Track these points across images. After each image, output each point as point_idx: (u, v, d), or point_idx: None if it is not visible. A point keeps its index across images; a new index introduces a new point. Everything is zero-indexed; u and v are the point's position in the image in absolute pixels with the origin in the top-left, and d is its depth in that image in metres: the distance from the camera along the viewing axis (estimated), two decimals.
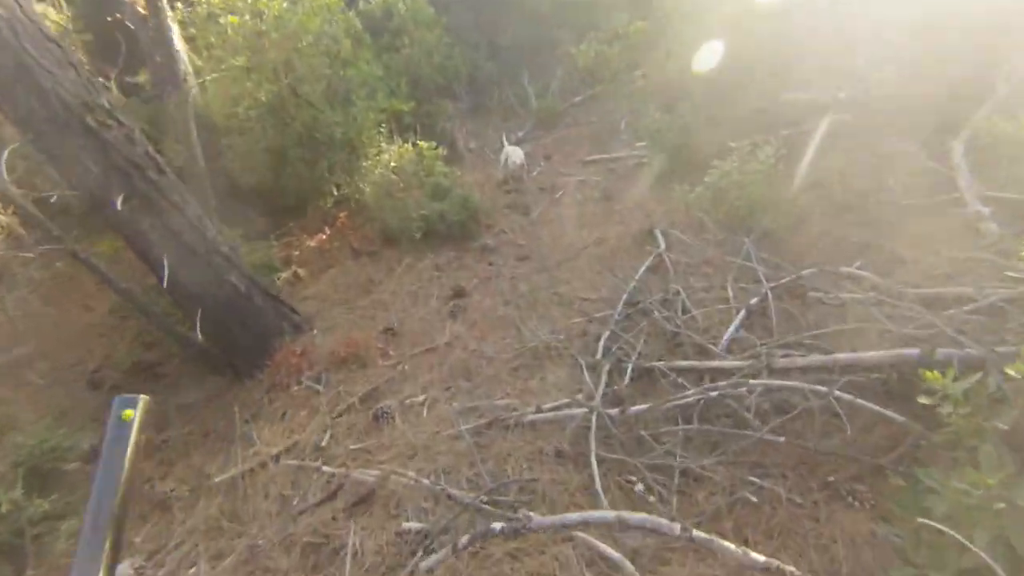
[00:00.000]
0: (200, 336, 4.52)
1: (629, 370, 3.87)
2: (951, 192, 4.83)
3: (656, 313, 4.39)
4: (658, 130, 6.94)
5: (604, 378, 3.88)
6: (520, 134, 10.66)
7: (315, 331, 5.29)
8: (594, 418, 3.46)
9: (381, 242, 6.85)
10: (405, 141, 8.50)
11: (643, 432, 3.33)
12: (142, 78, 7.56)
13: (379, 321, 5.31)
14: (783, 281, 4.35)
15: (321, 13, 6.60)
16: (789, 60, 7.11)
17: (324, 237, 7.75)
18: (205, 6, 6.48)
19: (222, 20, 6.92)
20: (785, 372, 3.34)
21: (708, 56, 7.67)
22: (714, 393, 3.24)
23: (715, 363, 3.70)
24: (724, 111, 6.96)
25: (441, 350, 4.78)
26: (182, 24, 6.87)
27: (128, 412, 1.06)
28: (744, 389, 3.20)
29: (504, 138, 9.44)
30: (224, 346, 4.88)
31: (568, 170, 8.42)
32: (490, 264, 6.06)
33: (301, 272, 6.94)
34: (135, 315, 5.97)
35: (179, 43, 6.60)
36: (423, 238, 6.48)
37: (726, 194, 5.20)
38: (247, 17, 6.61)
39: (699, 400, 3.31)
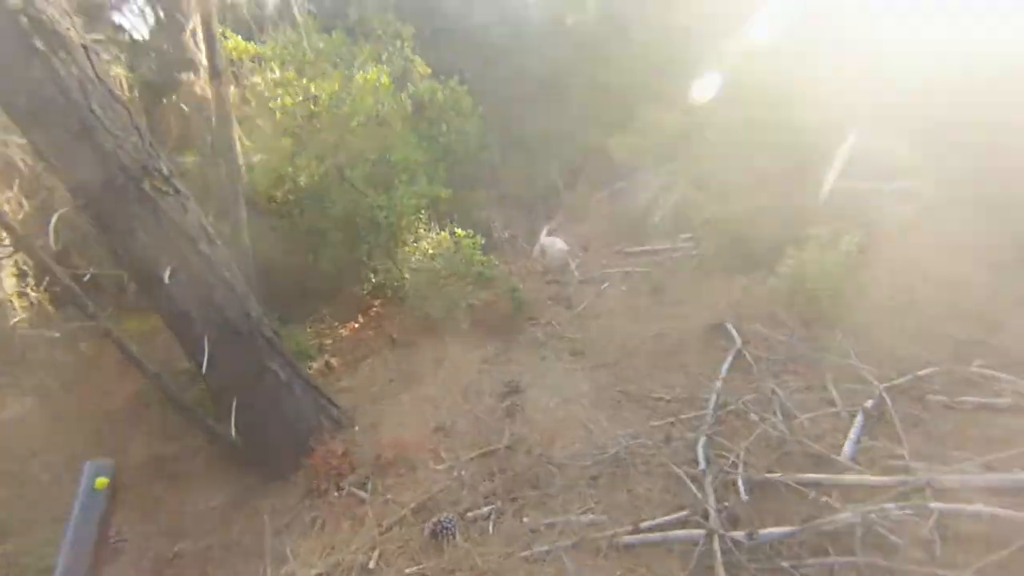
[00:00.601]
0: (233, 430, 3.97)
1: (740, 483, 3.31)
2: None
3: (753, 416, 3.88)
4: (710, 220, 6.68)
5: (712, 492, 3.32)
6: (552, 224, 10.53)
7: (356, 428, 4.73)
8: (716, 543, 2.87)
9: (421, 332, 6.40)
10: (443, 228, 8.30)
11: (785, 564, 2.73)
12: (190, 158, 7.45)
13: (427, 419, 4.76)
14: (897, 382, 3.87)
15: (374, 93, 6.56)
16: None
17: (357, 325, 7.34)
18: (261, 86, 6.44)
19: (271, 104, 6.90)
20: (951, 492, 2.79)
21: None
22: (871, 516, 2.67)
23: (849, 478, 3.14)
24: (775, 201, 6.76)
25: (501, 454, 4.21)
26: (234, 105, 6.83)
27: (102, 481, 1.09)
28: (905, 511, 2.64)
29: (543, 229, 9.26)
30: (257, 442, 4.33)
31: (609, 262, 8.13)
32: (542, 359, 5.58)
33: (334, 362, 6.46)
34: (156, 404, 5.45)
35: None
36: (467, 330, 6.03)
37: (803, 285, 4.82)
38: (300, 98, 6.56)
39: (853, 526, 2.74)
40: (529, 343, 5.91)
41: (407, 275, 6.80)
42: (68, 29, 3.35)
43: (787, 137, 7.07)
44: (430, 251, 7.66)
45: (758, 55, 7.86)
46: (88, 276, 5.38)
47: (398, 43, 8.97)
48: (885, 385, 3.86)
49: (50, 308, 5.53)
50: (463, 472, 4.10)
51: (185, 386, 5.00)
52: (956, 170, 5.86)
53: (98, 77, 3.44)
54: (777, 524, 3.04)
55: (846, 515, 2.75)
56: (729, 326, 5.12)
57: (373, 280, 7.36)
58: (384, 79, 6.99)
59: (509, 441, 4.31)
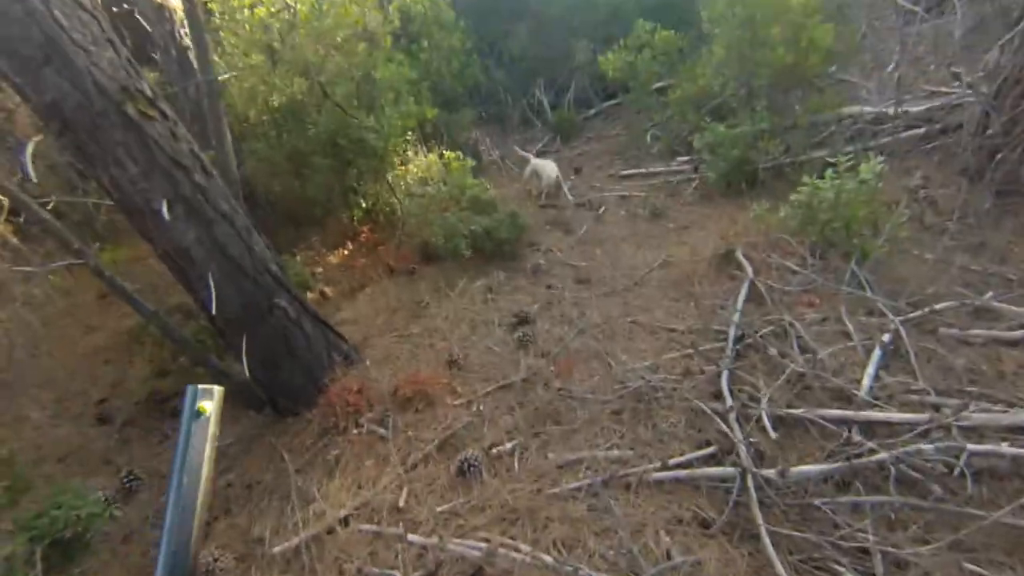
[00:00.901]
0: (247, 368, 3.80)
1: (766, 419, 3.33)
2: None
3: (772, 349, 3.88)
4: (713, 143, 6.46)
5: (738, 428, 3.35)
6: (539, 146, 10.16)
7: (368, 363, 4.60)
8: (751, 481, 2.91)
9: (419, 260, 6.19)
10: (431, 150, 7.92)
11: (815, 501, 2.79)
12: (149, 75, 6.74)
13: (438, 352, 4.65)
14: (913, 316, 3.90)
15: (359, 4, 5.95)
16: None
17: (347, 252, 7.07)
18: None
19: (239, 16, 6.22)
20: (975, 432, 2.85)
21: None
22: (905, 454, 2.72)
23: (874, 415, 3.19)
24: (779, 122, 6.56)
25: (519, 388, 4.16)
26: None
27: (204, 406, 0.98)
28: (936, 453, 2.70)
29: (532, 151, 8.89)
30: (269, 380, 4.17)
31: (603, 185, 7.92)
32: (548, 287, 5.46)
33: (328, 291, 6.23)
34: (150, 341, 5.21)
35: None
36: (467, 257, 5.83)
37: (817, 214, 4.73)
38: (275, 9, 5.91)
39: (884, 463, 2.79)
40: (533, 271, 5.77)
41: (405, 201, 6.47)
42: None
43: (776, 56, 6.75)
44: (420, 174, 7.35)
45: None
46: (51, 204, 4.99)
47: None
48: (900, 318, 3.87)
49: (16, 242, 5.11)
50: (481, 407, 4.05)
51: (181, 323, 4.77)
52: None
53: None
54: (802, 461, 3.09)
55: (882, 455, 2.78)
56: (739, 254, 5.06)
57: (363, 205, 7.03)
58: None
59: (525, 374, 4.25)
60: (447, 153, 7.55)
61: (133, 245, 6.21)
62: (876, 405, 3.28)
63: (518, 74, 11.43)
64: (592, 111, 11.18)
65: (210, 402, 1.08)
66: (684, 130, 8.25)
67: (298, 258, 6.50)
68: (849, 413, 3.24)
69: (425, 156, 7.72)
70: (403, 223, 6.44)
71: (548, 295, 5.34)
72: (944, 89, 6.26)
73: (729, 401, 3.51)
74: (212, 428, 1.05)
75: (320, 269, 6.72)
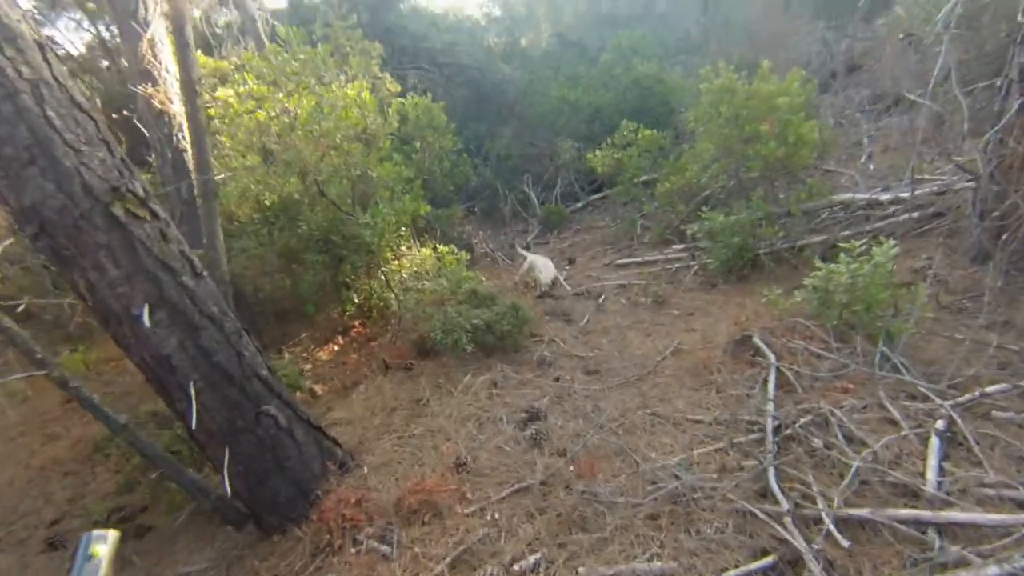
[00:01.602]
0: (228, 485, 3.30)
1: (828, 522, 2.91)
2: None
3: (816, 441, 3.51)
4: (713, 231, 6.40)
5: (798, 532, 2.91)
6: (529, 238, 10.16)
7: (365, 469, 4.10)
8: None
9: (416, 355, 5.81)
10: (424, 245, 7.80)
11: None
12: (144, 176, 6.63)
13: (444, 454, 4.17)
14: (963, 400, 3.59)
15: (360, 108, 5.98)
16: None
17: (337, 348, 6.68)
18: (232, 99, 5.76)
19: (236, 120, 6.22)
20: None
21: None
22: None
23: (956, 515, 2.78)
24: (772, 210, 6.56)
25: (537, 491, 3.68)
26: None
27: (96, 550, 0.94)
28: None
29: (525, 244, 8.85)
30: (253, 494, 3.63)
31: (599, 275, 7.77)
32: (556, 380, 5.09)
33: (318, 388, 5.78)
34: (117, 451, 4.66)
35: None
36: (467, 352, 5.47)
37: (834, 298, 4.54)
38: (275, 113, 5.91)
39: None
40: (538, 363, 5.41)
41: (401, 295, 6.19)
42: (19, 21, 2.69)
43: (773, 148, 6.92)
44: (414, 268, 7.16)
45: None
46: (21, 307, 4.61)
47: (366, 60, 8.43)
48: (949, 403, 3.57)
49: None
50: (497, 515, 3.55)
51: (155, 432, 4.27)
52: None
53: (57, 80, 2.77)
54: (878, 571, 2.66)
55: (991, 570, 2.36)
56: (757, 340, 4.79)
57: (356, 300, 6.73)
58: (366, 94, 6.43)
59: (543, 475, 3.78)
60: (440, 247, 7.42)
61: (107, 345, 5.77)
62: (950, 503, 2.89)
63: (505, 171, 11.69)
64: (579, 204, 11.35)
65: (103, 546, 1.04)
66: (674, 220, 8.29)
67: (286, 356, 6.10)
68: (925, 513, 2.83)
69: (419, 251, 7.57)
70: (399, 318, 6.12)
71: (557, 388, 4.95)
72: (929, 176, 6.39)
73: (784, 503, 3.08)
74: (103, 573, 1.02)
75: (310, 366, 6.30)
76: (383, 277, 6.74)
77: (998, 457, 3.21)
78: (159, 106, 5.91)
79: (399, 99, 8.56)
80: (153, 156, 6.39)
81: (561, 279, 7.70)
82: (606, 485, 3.61)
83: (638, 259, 7.83)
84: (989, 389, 3.60)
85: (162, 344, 3.13)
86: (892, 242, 4.49)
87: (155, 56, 5.97)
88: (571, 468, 3.84)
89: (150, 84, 6.15)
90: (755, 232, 6.32)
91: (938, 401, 3.60)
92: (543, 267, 7.31)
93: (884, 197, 6.17)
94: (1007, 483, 3.02)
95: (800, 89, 6.37)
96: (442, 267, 7.23)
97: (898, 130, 6.99)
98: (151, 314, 3.02)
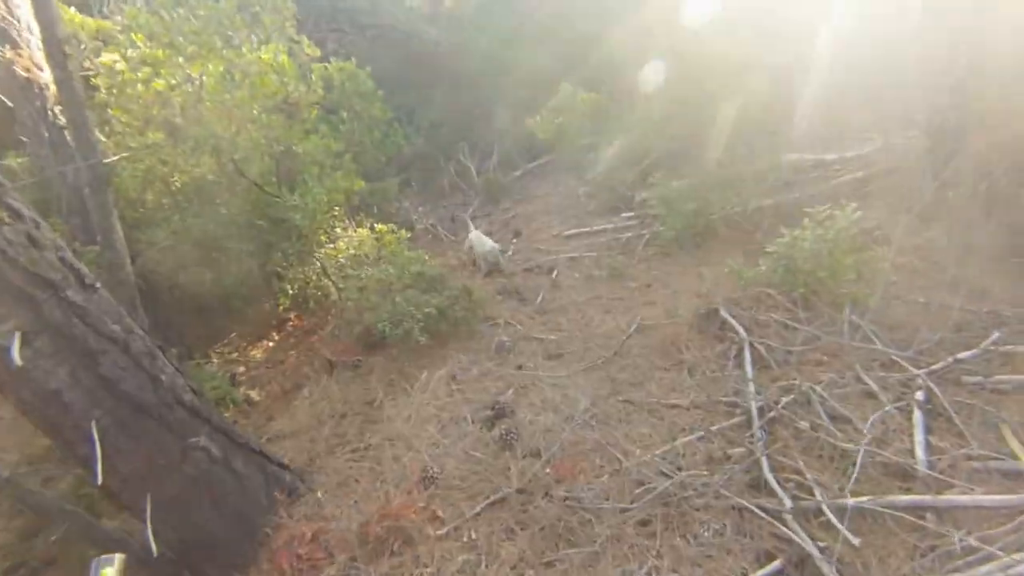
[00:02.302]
0: (154, 540, 2.72)
1: (829, 514, 2.69)
2: None
3: (801, 423, 3.31)
4: (668, 196, 6.09)
5: (801, 529, 2.68)
6: (470, 210, 9.59)
7: (319, 493, 3.58)
8: None
9: (363, 350, 5.25)
10: (360, 224, 7.12)
11: None
12: (16, 161, 5.54)
13: (406, 466, 3.72)
14: (937, 367, 3.48)
15: (278, 74, 5.16)
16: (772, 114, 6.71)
17: (273, 344, 6.01)
18: (121, 66, 4.81)
19: (130, 90, 5.24)
20: None
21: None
22: None
23: (958, 498, 2.63)
24: (729, 171, 6.34)
25: (515, 502, 3.32)
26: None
27: (106, 572, 1.02)
28: None
29: (467, 220, 8.32)
30: (187, 543, 3.06)
31: (549, 247, 7.36)
32: (519, 368, 4.70)
33: (254, 395, 5.14)
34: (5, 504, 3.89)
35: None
36: (420, 343, 4.95)
37: (799, 265, 4.35)
38: (175, 81, 5.00)
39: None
40: (497, 350, 4.98)
41: (343, 284, 5.56)
42: None
43: (715, 110, 6.67)
44: (352, 251, 6.51)
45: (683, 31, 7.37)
46: None
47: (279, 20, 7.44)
48: (924, 371, 3.45)
49: None
50: (474, 534, 3.17)
51: (48, 478, 3.56)
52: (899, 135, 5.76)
53: None
54: (884, 564, 2.48)
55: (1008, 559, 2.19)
56: (724, 312, 4.56)
57: (289, 291, 6.02)
58: (284, 58, 5.56)
59: (519, 482, 3.42)
60: (379, 226, 6.79)
61: None
62: (947, 483, 2.75)
63: (439, 140, 10.98)
64: (518, 172, 10.82)
65: (111, 568, 1.08)
66: (621, 186, 7.96)
67: (214, 360, 5.38)
68: (926, 498, 2.67)
69: (355, 231, 6.89)
70: (340, 309, 5.51)
71: (521, 377, 4.56)
72: (871, 135, 6.31)
73: (784, 498, 2.85)
74: None
75: (243, 368, 5.62)
76: (319, 263, 6.07)
77: (976, 426, 3.11)
78: (24, 74, 4.85)
79: (322, 64, 7.68)
80: (27, 136, 5.31)
81: (509, 253, 7.26)
82: (589, 488, 3.28)
83: (587, 229, 7.47)
84: (962, 355, 3.51)
85: (47, 378, 2.47)
86: (853, 205, 4.32)
87: (10, 12, 4.86)
88: (548, 471, 3.49)
89: (7, 46, 5.03)
90: (708, 197, 6.07)
91: (913, 371, 3.48)
92: (483, 238, 6.87)
93: (829, 157, 6.06)
94: (992, 455, 2.92)
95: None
96: (382, 248, 6.63)
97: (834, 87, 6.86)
98: (24, 344, 2.34)
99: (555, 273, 6.48)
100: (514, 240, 7.88)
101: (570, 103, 8.78)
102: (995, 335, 3.68)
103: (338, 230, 6.72)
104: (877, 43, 6.00)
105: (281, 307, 5.98)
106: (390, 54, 11.85)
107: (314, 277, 5.98)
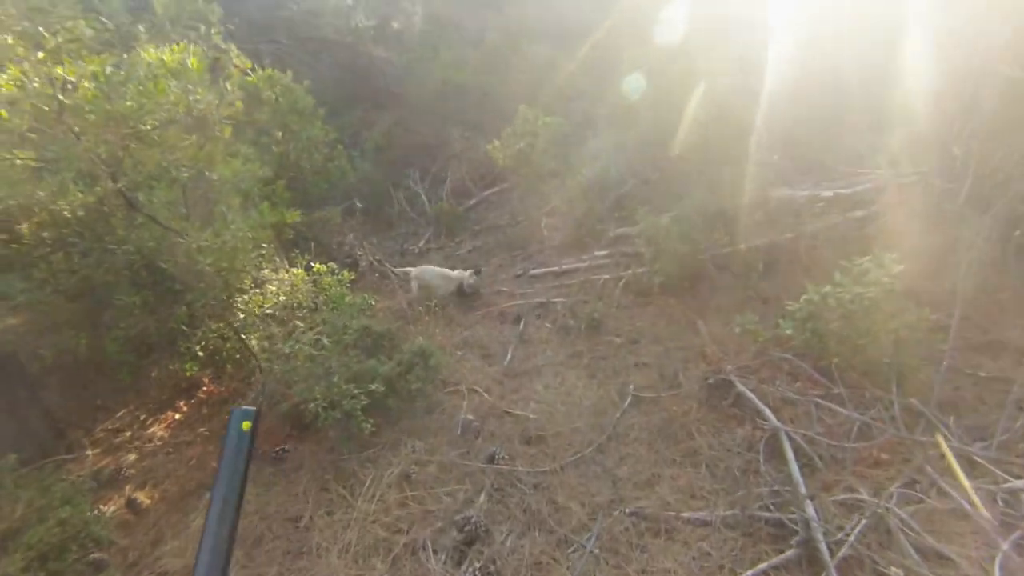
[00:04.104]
0: None
1: None
2: None
3: (892, 570, 2.33)
4: (656, 235, 5.14)
5: None
6: (421, 244, 8.42)
7: None
8: None
9: (291, 433, 3.98)
10: (293, 263, 5.87)
11: None
12: None
13: None
14: None
15: (180, 79, 3.86)
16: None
17: (180, 417, 4.65)
18: None
19: None
20: None
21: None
22: None
23: None
24: (711, 206, 5.46)
25: None
26: None
27: (247, 423, 1.00)
28: None
29: (414, 249, 7.16)
30: None
31: (513, 289, 6.29)
32: (490, 461, 3.55)
33: (143, 498, 3.77)
34: None
35: None
36: (365, 428, 3.71)
37: (829, 327, 3.46)
38: (37, 84, 3.63)
39: None
40: (462, 431, 3.83)
41: (264, 343, 4.28)
42: None
43: (696, 137, 5.86)
44: (282, 297, 5.25)
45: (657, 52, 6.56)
46: None
47: (202, 29, 6.15)
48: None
49: None
50: None
51: None
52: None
53: None
54: None
55: None
56: (739, 385, 3.59)
57: (199, 352, 4.65)
58: (193, 60, 4.27)
59: None
60: (316, 265, 5.55)
61: None
62: None
63: (387, 165, 9.77)
64: (473, 200, 9.75)
65: (248, 420, 1.00)
66: (590, 219, 7.01)
67: (89, 453, 3.96)
68: None
69: (287, 272, 5.61)
70: (262, 379, 4.22)
71: (494, 475, 3.42)
72: (863, 171, 5.60)
73: None
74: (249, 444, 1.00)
75: (134, 456, 4.21)
76: (240, 314, 4.74)
77: None
78: None
79: (243, 72, 6.40)
80: None
81: (467, 291, 6.16)
82: None
83: (554, 268, 6.44)
84: None
85: None
86: (891, 256, 3.48)
87: None
88: None
89: None
90: (691, 236, 5.17)
91: (1003, 476, 2.59)
92: (436, 280, 5.83)
93: (825, 193, 5.30)
94: None
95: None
96: (320, 292, 5.41)
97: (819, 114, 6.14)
98: None
99: (523, 323, 5.39)
100: (472, 279, 6.75)
101: (531, 127, 7.80)
102: None
103: (266, 271, 5.42)
104: (873, 68, 5.35)
105: (188, 373, 4.60)
106: (333, 71, 10.62)
107: (232, 334, 4.65)
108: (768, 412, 3.33)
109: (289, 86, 6.91)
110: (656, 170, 6.18)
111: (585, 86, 9.58)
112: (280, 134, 7.06)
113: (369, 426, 3.57)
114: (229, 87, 4.24)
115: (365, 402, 3.59)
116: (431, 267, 6.39)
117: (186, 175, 4.06)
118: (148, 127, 3.81)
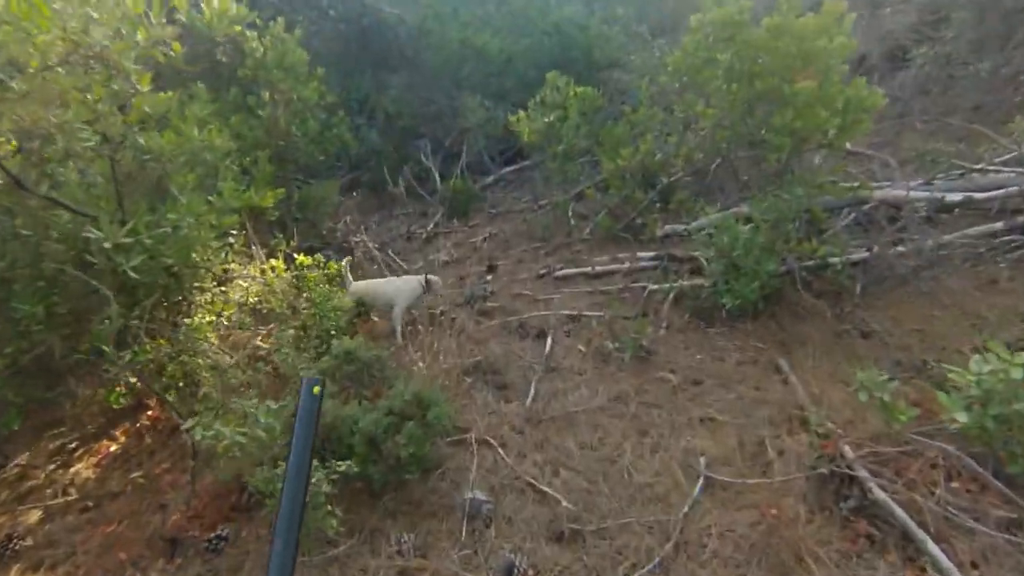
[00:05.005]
0: None
1: None
2: None
3: None
4: (731, 246, 3.84)
5: None
6: (430, 226, 7.20)
7: None
8: None
9: (232, 513, 2.86)
10: (272, 252, 4.76)
11: None
12: None
13: None
14: None
15: (124, 23, 2.61)
16: None
17: (117, 449, 3.58)
18: None
19: None
20: None
21: None
22: None
23: None
24: (788, 204, 4.15)
25: None
26: None
27: (317, 388, 1.03)
28: None
29: (421, 233, 5.98)
30: None
31: (536, 292, 5.06)
32: (509, 555, 2.42)
33: None
34: None
35: None
36: (337, 498, 2.59)
37: (1002, 411, 2.23)
38: None
39: None
40: (470, 519, 2.68)
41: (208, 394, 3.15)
42: None
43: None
44: (253, 298, 4.18)
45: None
46: None
47: None
48: None
49: None
50: None
51: None
52: None
53: None
54: None
55: None
56: (878, 490, 2.38)
57: (132, 380, 3.51)
58: None
59: None
60: (300, 257, 4.42)
61: None
62: None
63: (397, 135, 8.48)
64: (490, 178, 8.48)
65: (319, 386, 1.04)
66: (628, 210, 5.74)
67: None
68: None
69: (262, 264, 4.45)
70: (194, 444, 3.06)
71: None
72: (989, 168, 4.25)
73: None
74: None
75: (35, 517, 3.13)
76: (185, 328, 3.60)
77: None
78: None
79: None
80: None
81: (482, 297, 4.96)
82: None
83: (586, 269, 5.20)
84: None
85: None
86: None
87: None
88: None
89: None
90: (772, 248, 3.89)
91: None
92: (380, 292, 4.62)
93: (953, 198, 3.98)
94: None
95: (846, 27, 3.88)
96: (303, 290, 4.34)
97: (919, 89, 4.74)
98: None
99: (549, 341, 4.19)
100: (489, 277, 5.55)
101: (561, 98, 6.44)
102: None
103: (234, 266, 4.26)
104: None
105: (114, 404, 3.49)
106: (338, 28, 9.19)
107: (177, 354, 3.51)
108: (931, 543, 2.13)
109: (277, 35, 5.61)
110: (714, 154, 4.85)
111: (621, 53, 8.13)
112: (267, 94, 5.80)
113: (335, 523, 2.42)
114: (155, 20, 2.91)
115: (329, 489, 2.42)
116: (377, 280, 4.96)
117: (90, 143, 2.83)
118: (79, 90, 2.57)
